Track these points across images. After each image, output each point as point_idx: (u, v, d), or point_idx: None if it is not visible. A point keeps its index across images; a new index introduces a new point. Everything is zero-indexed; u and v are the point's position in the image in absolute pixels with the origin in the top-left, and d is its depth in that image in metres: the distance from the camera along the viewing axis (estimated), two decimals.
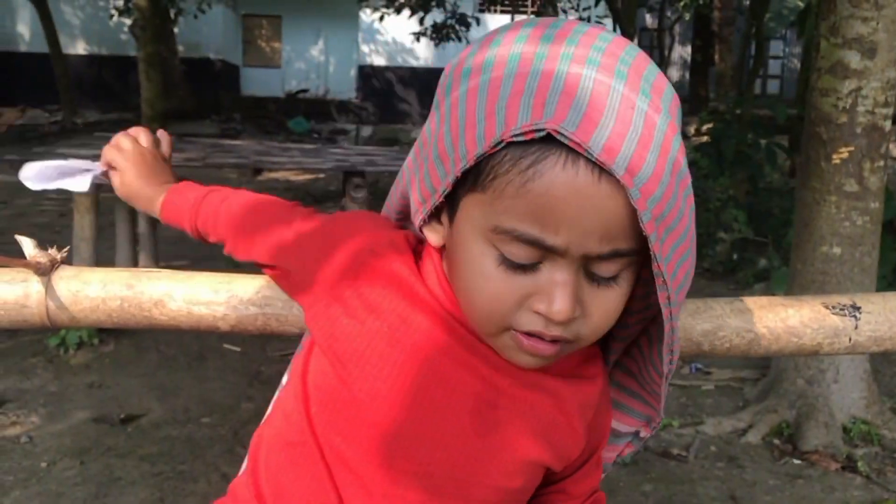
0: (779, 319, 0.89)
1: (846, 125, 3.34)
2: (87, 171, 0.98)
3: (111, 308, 0.84)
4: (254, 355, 4.29)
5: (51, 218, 7.31)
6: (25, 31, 15.27)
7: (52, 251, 0.85)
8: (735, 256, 6.20)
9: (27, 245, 0.84)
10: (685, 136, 14.67)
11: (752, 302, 0.90)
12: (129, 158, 0.99)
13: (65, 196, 8.07)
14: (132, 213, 5.20)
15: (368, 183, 4.19)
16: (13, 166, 4.60)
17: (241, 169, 6.61)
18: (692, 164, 6.67)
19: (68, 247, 0.91)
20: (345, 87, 16.54)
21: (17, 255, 0.83)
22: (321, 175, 10.39)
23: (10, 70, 15.19)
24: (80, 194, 4.05)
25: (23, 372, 3.94)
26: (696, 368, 4.34)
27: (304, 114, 15.25)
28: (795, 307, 0.89)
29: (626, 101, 0.63)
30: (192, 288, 0.84)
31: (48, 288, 0.84)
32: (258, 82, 16.40)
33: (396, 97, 16.53)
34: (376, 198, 8.09)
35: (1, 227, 6.86)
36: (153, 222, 5.65)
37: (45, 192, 0.94)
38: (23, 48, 15.39)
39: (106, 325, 0.86)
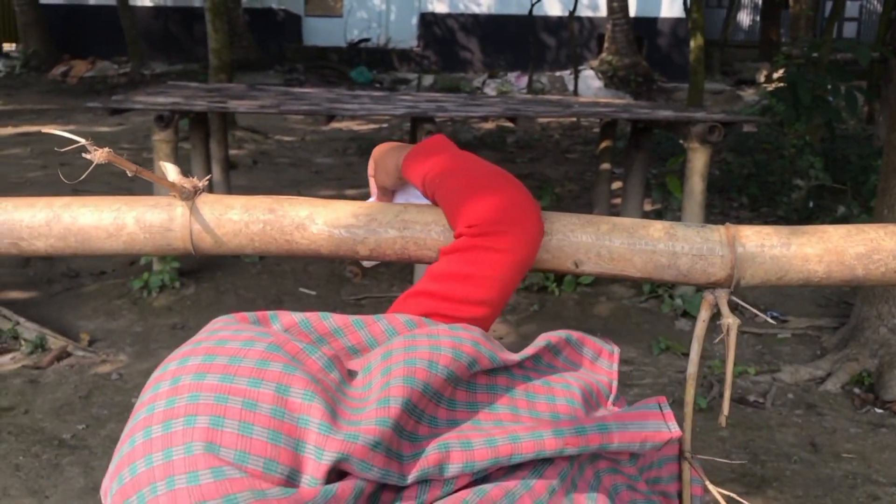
0: None
1: None
2: None
3: (253, 232, 0.85)
4: (329, 299, 4.36)
5: None
6: None
7: (194, 178, 0.86)
8: (811, 204, 6.03)
9: (171, 171, 0.86)
10: (754, 82, 14.27)
11: None
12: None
13: (139, 145, 8.25)
14: (207, 162, 5.29)
15: (437, 129, 4.17)
16: (96, 113, 4.69)
17: (315, 116, 6.64)
18: (768, 110, 6.49)
19: (210, 175, 0.93)
20: (406, 36, 16.40)
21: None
22: (384, 125, 10.39)
23: (80, 23, 15.43)
24: (158, 140, 4.13)
25: (109, 313, 4.07)
26: (772, 316, 4.27)
27: (366, 63, 15.19)
28: None
29: None
30: (333, 212, 0.85)
31: (192, 212, 0.86)
32: (320, 32, 16.36)
33: (458, 45, 16.33)
34: None
35: (79, 175, 7.04)
36: (227, 170, 5.74)
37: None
38: (91, 1, 15.60)
39: (247, 251, 0.88)
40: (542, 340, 0.80)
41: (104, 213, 0.86)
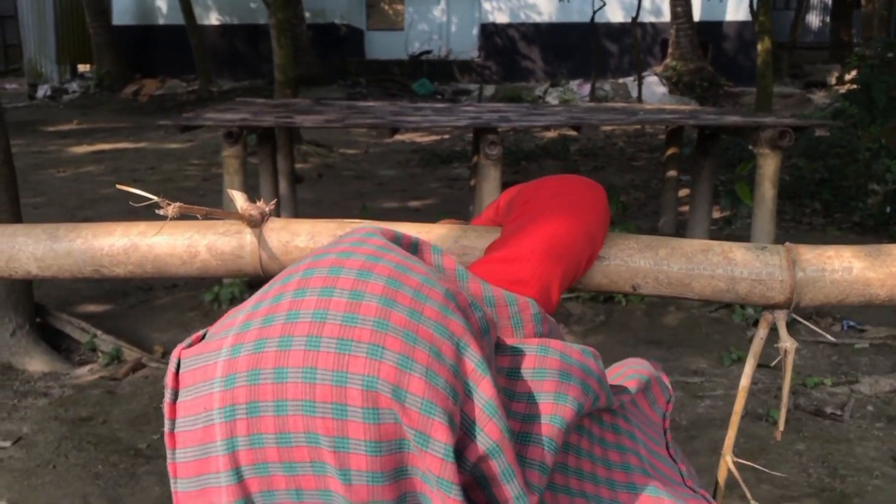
0: None
1: None
2: None
3: None
4: None
5: (195, 182, 7.68)
6: (163, 4, 15.96)
7: (261, 203, 0.89)
8: (888, 209, 5.85)
9: (238, 198, 0.89)
10: (824, 85, 13.88)
11: None
12: None
13: (208, 161, 8.47)
14: (274, 176, 5.40)
15: (500, 140, 4.17)
16: (166, 130, 4.84)
17: (379, 129, 6.73)
18: (840, 113, 6.32)
19: (276, 199, 0.96)
20: (467, 47, 16.48)
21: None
22: (446, 136, 10.46)
23: (150, 43, 15.95)
24: (228, 156, 4.24)
25: (182, 325, 4.19)
26: (848, 326, 4.15)
27: (427, 75, 15.32)
28: None
29: None
30: None
31: (260, 239, 0.89)
32: (382, 46, 16.57)
33: (519, 54, 16.34)
34: (508, 155, 8.09)
35: (152, 191, 7.26)
36: (294, 184, 5.86)
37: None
38: (161, 21, 16.10)
39: None
40: (637, 373, 0.76)
41: (178, 241, 0.90)
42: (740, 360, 3.80)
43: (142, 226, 0.91)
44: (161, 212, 0.74)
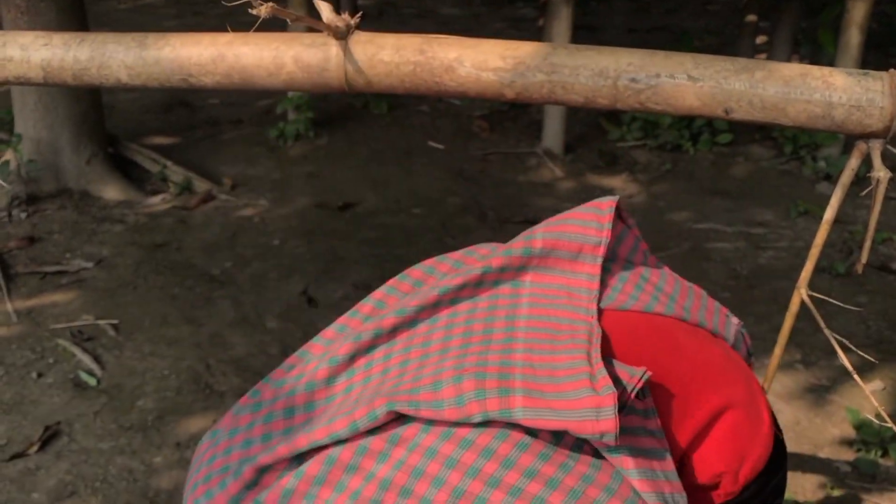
0: None
1: None
2: None
3: (404, 73, 0.88)
4: (456, 153, 4.40)
5: (257, 18, 7.55)
6: None
7: (346, 16, 0.88)
8: None
9: (324, 9, 0.88)
10: None
11: None
12: None
13: None
14: (337, 10, 5.29)
15: None
16: None
17: None
18: None
19: (361, 12, 0.95)
20: None
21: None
22: None
23: None
24: None
25: (248, 160, 4.26)
26: None
27: None
28: None
29: None
30: (481, 54, 0.86)
31: (346, 52, 0.88)
32: None
33: None
34: None
35: (212, 25, 7.21)
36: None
37: None
38: None
39: (398, 91, 0.90)
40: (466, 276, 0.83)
41: (264, 52, 0.90)
42: (807, 213, 3.74)
43: (229, 36, 0.91)
44: (254, 11, 0.74)
